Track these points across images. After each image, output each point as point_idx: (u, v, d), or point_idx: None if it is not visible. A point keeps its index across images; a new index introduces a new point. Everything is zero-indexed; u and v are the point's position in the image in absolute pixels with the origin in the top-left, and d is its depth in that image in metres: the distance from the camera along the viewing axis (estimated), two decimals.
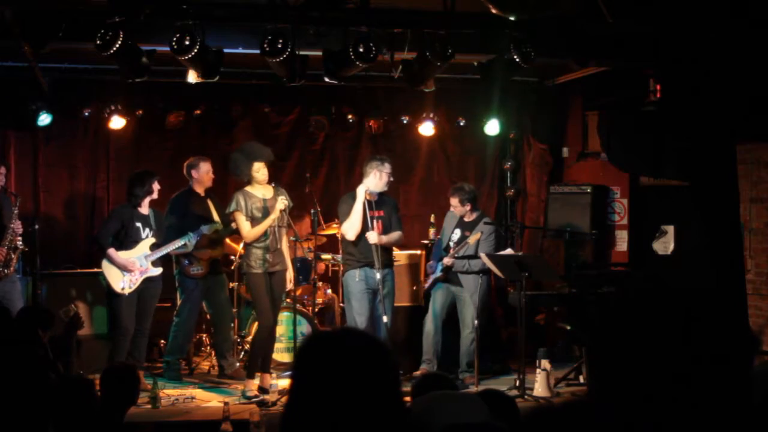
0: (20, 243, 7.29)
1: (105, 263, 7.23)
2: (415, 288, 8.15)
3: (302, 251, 8.10)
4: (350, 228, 7.17)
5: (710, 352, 1.38)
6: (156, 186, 7.36)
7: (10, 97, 8.40)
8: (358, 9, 6.59)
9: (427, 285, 7.91)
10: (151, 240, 7.33)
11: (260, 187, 7.09)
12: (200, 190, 7.82)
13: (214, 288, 7.91)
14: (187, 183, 7.84)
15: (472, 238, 7.49)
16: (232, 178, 7.78)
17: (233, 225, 7.39)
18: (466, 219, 7.77)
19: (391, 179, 7.34)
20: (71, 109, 8.68)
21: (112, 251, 7.19)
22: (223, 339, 8.00)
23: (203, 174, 7.80)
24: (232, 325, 8.15)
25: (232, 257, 8.19)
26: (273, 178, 7.26)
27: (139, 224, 7.29)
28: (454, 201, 7.74)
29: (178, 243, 7.41)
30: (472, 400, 2.67)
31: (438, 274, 7.77)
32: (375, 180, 7.22)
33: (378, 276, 7.06)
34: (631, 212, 9.12)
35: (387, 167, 7.25)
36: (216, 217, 7.82)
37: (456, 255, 7.57)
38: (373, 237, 7.10)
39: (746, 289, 7.38)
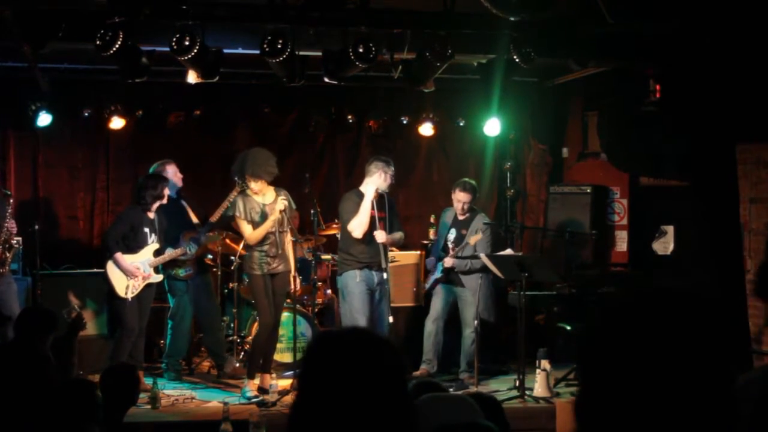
0: (15, 242, 7.27)
1: (110, 266, 7.20)
2: (415, 288, 8.14)
3: (302, 251, 8.11)
4: (359, 226, 7.13)
5: (709, 356, 1.36)
6: (166, 191, 7.36)
7: (10, 97, 8.41)
8: (358, 9, 6.59)
9: (427, 285, 7.90)
10: (155, 246, 7.32)
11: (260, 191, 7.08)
12: (172, 193, 7.78)
13: (199, 288, 7.90)
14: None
15: (473, 239, 7.48)
16: (232, 182, 7.77)
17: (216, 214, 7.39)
18: (460, 217, 7.72)
19: (393, 181, 7.33)
20: (71, 109, 8.67)
21: (119, 256, 7.15)
22: (215, 340, 8.01)
23: (171, 176, 7.79)
24: (224, 324, 8.16)
25: (232, 257, 8.20)
26: (273, 181, 7.22)
27: (146, 229, 7.27)
28: (467, 197, 7.61)
29: (180, 251, 7.42)
30: (464, 402, 2.68)
31: (438, 275, 7.75)
32: (379, 180, 7.20)
33: (383, 276, 7.09)
34: (630, 212, 9.12)
35: (392, 169, 7.24)
36: (193, 217, 7.83)
37: (457, 255, 7.55)
38: (381, 236, 7.08)
39: (746, 289, 7.39)
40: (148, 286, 7.30)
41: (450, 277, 7.70)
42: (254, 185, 7.00)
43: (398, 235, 7.38)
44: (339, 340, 1.73)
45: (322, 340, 1.79)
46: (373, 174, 7.22)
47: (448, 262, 7.58)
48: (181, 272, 7.74)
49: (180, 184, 7.91)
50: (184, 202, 7.94)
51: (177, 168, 7.88)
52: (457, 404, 2.64)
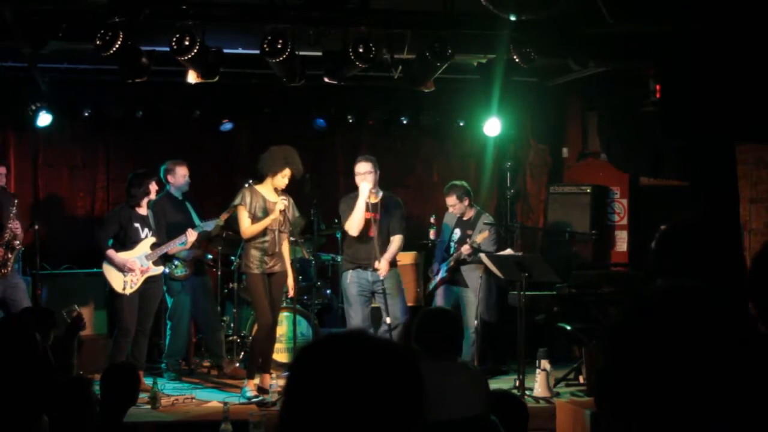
0: (18, 243, 7.28)
1: (105, 265, 7.22)
2: (417, 289, 8.14)
3: (305, 252, 8.10)
4: (353, 224, 7.12)
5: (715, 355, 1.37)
6: (153, 187, 7.36)
7: (10, 97, 8.41)
8: (358, 9, 6.59)
9: (431, 286, 7.91)
10: (151, 240, 7.32)
11: (269, 189, 7.07)
12: (178, 194, 7.83)
13: (197, 289, 7.91)
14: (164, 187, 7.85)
15: (480, 237, 7.51)
16: (232, 182, 7.77)
17: (224, 215, 7.35)
18: (464, 218, 7.77)
19: (373, 176, 7.12)
20: (71, 109, 8.68)
21: (110, 252, 7.18)
22: (213, 340, 8.02)
23: (179, 178, 7.82)
24: (224, 324, 8.16)
25: (232, 257, 8.19)
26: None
27: (137, 225, 7.29)
28: (452, 200, 7.73)
29: (178, 241, 7.41)
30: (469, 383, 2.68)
31: (443, 275, 7.76)
32: (360, 179, 7.13)
33: (379, 277, 7.05)
34: (630, 212, 9.12)
35: (365, 166, 7.10)
36: (197, 220, 7.82)
37: (472, 245, 7.54)
38: (383, 268, 7.03)
39: None
40: (150, 281, 7.29)
41: (454, 277, 7.71)
42: (282, 180, 6.96)
43: (395, 245, 7.27)
44: (332, 344, 1.53)
45: (315, 345, 1.58)
46: (356, 176, 7.21)
47: (466, 249, 7.56)
48: (178, 272, 7.76)
49: (186, 187, 7.90)
50: (188, 204, 7.94)
51: (187, 170, 7.88)
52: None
